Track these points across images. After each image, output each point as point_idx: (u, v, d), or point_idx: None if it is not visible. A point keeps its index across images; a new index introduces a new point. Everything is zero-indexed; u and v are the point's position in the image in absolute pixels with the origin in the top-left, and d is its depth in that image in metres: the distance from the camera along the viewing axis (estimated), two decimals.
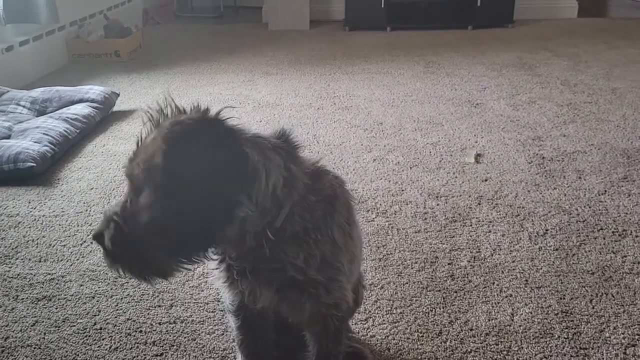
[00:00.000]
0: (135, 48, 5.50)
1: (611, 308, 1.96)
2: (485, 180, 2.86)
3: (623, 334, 1.85)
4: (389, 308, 2.00)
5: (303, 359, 1.56)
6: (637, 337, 1.83)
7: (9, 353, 1.83)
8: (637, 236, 2.36)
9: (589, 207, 2.58)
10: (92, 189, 2.90)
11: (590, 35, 5.72)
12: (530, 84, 4.31)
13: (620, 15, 6.83)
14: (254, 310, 1.46)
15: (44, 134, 3.21)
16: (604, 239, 2.35)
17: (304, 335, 1.53)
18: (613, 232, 2.39)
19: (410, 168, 3.02)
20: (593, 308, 1.97)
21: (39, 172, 3.00)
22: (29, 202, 2.77)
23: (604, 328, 1.88)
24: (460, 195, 2.72)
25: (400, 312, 1.97)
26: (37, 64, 4.82)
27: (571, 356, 1.76)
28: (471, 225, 2.47)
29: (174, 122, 1.14)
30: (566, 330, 1.87)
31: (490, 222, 2.49)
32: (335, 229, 1.29)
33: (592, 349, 1.79)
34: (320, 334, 1.47)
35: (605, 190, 2.72)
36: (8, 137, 3.27)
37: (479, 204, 2.64)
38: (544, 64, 4.80)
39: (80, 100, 3.73)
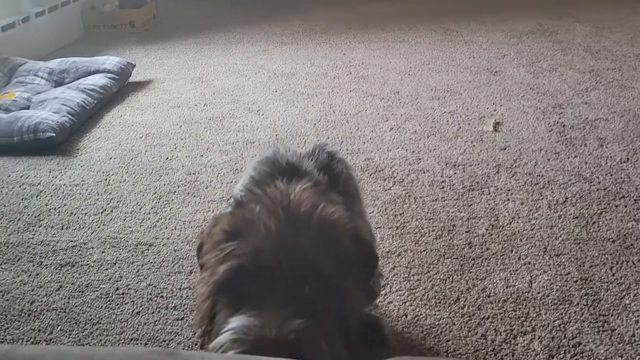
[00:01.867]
0: (149, 19, 5.48)
1: (632, 275, 1.95)
2: (504, 149, 2.83)
3: None
4: (406, 275, 2.00)
5: None
6: None
7: (35, 316, 1.88)
8: None
9: (611, 175, 2.55)
10: (110, 158, 2.93)
11: (613, 1, 5.57)
12: (551, 51, 4.22)
13: None
14: None
15: (62, 104, 3.23)
16: (626, 206, 2.32)
17: None
18: (635, 199, 2.36)
19: (428, 137, 2.99)
20: (613, 275, 1.96)
21: (58, 142, 3.03)
22: (50, 172, 2.80)
23: (624, 295, 1.87)
24: (478, 164, 2.70)
25: (418, 279, 1.98)
26: (53, 35, 4.83)
27: (590, 322, 1.76)
28: (489, 194, 2.46)
29: None
30: (585, 297, 1.87)
31: (509, 190, 2.48)
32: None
33: (612, 315, 1.79)
34: None
35: (628, 158, 2.68)
36: (27, 107, 3.30)
37: (498, 172, 2.62)
38: (565, 30, 4.70)
39: (97, 71, 3.74)
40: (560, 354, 1.66)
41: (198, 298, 1.26)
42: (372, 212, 2.36)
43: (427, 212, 2.35)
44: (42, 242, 2.26)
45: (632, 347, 1.68)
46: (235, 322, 1.08)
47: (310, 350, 1.06)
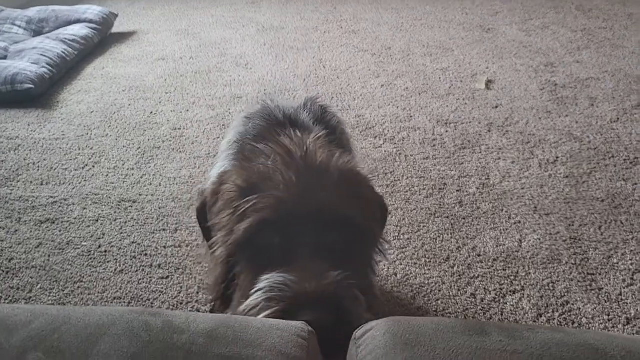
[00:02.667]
0: None
1: (620, 235, 1.94)
2: (496, 107, 2.78)
3: (631, 260, 1.83)
4: (397, 234, 1.98)
5: None
6: None
7: (14, 274, 1.83)
8: None
9: (601, 135, 2.52)
10: (92, 112, 2.84)
11: None
12: (543, 9, 4.14)
13: None
14: None
15: (41, 55, 3.11)
16: (615, 166, 2.30)
17: None
18: (624, 159, 2.34)
19: (419, 94, 2.93)
20: (602, 235, 1.95)
21: (37, 95, 2.92)
22: (29, 125, 2.71)
23: (612, 254, 1.86)
24: (470, 122, 2.65)
25: (408, 238, 1.96)
26: None
27: (578, 281, 1.76)
28: (480, 153, 2.42)
29: None
30: (574, 256, 1.86)
31: (500, 149, 2.44)
32: None
33: (600, 274, 1.78)
34: None
35: (618, 118, 2.65)
36: (4, 57, 3.17)
37: (489, 131, 2.58)
38: None
39: (78, 21, 3.60)
40: (548, 313, 1.66)
41: (212, 261, 1.18)
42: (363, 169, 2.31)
43: (418, 171, 2.31)
44: (20, 197, 2.20)
45: (619, 305, 1.67)
46: (266, 280, 1.02)
47: (348, 301, 1.02)
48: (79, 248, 1.94)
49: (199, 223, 1.27)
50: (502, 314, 1.66)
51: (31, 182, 2.29)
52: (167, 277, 1.81)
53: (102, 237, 1.99)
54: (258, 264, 1.07)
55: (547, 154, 2.40)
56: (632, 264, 1.82)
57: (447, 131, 2.58)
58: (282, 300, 0.99)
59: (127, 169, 2.37)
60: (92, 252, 1.92)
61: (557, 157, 2.37)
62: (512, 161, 2.36)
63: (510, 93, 2.92)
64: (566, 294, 1.72)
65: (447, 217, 2.05)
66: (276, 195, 1.07)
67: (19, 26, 3.56)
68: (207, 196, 1.23)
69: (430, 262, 1.85)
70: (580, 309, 1.67)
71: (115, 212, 2.11)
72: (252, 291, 1.03)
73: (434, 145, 2.48)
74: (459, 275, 1.80)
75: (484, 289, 1.75)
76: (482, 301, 1.70)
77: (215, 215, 1.18)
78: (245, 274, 1.10)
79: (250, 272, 1.08)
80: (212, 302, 1.21)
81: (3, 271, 1.84)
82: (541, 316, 1.65)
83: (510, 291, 1.73)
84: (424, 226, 2.01)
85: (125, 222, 2.06)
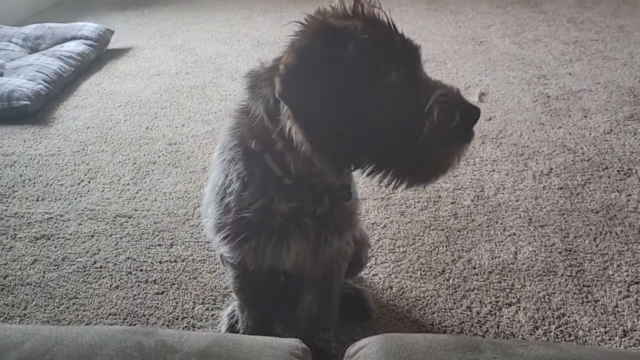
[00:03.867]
0: None
1: (615, 246, 1.95)
2: (490, 119, 2.80)
3: (627, 271, 1.84)
4: (392, 247, 1.98)
5: (296, 302, 1.57)
6: None
7: (8, 291, 1.83)
8: None
9: (594, 146, 2.54)
10: (88, 127, 2.84)
11: None
12: (535, 22, 4.18)
13: None
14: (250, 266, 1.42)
15: (37, 71, 3.12)
16: (609, 177, 2.32)
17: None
18: (618, 170, 2.36)
19: None
20: (597, 246, 1.95)
21: (33, 111, 2.93)
22: (25, 141, 2.72)
23: (608, 266, 1.87)
24: None
25: (403, 251, 1.96)
26: (29, 0, 4.67)
27: (574, 294, 1.76)
28: (475, 165, 2.43)
29: None
30: (569, 268, 1.86)
31: (494, 161, 2.45)
32: None
33: (595, 286, 1.79)
34: (324, 276, 1.47)
35: (611, 129, 2.67)
36: (0, 74, 3.18)
37: (483, 142, 2.59)
38: (550, 1, 4.64)
39: (74, 38, 3.62)
40: (544, 325, 1.66)
41: None
42: (357, 183, 2.31)
43: None
44: (16, 214, 2.19)
45: (615, 317, 1.68)
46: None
47: None
48: (74, 264, 1.94)
49: None
50: (498, 327, 1.66)
51: (27, 198, 2.29)
52: (163, 292, 1.81)
53: (98, 253, 1.99)
54: None
55: (541, 166, 2.41)
56: (627, 276, 1.82)
57: None
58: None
59: (123, 185, 2.37)
60: (88, 268, 1.92)
61: (551, 169, 2.38)
62: (506, 173, 2.37)
63: (504, 105, 2.94)
64: (562, 307, 1.72)
65: (442, 229, 2.05)
66: None
67: (16, 43, 3.57)
68: None
69: (425, 275, 1.86)
70: (576, 321, 1.67)
71: (110, 228, 2.11)
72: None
73: None
74: (455, 288, 1.80)
75: (480, 301, 1.75)
76: (478, 314, 1.70)
77: None
78: None
79: None
80: None
81: None
82: (537, 329, 1.65)
83: (506, 304, 1.74)
84: (419, 239, 2.01)
85: (121, 238, 2.06)
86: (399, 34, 1.09)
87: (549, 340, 1.62)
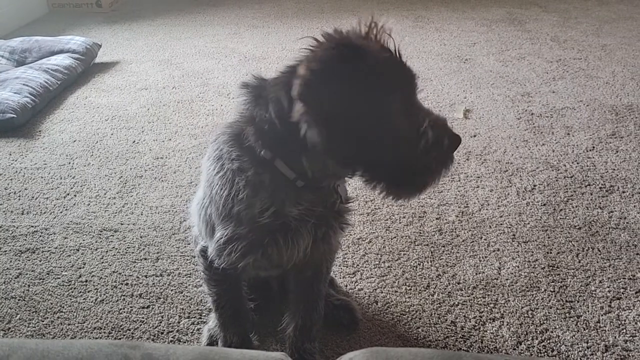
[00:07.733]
0: None
1: (597, 262, 1.98)
2: (474, 136, 2.84)
3: (608, 287, 1.87)
4: (377, 262, 1.99)
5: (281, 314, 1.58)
6: (622, 290, 1.85)
7: None
8: (624, 192, 2.36)
9: (577, 163, 2.58)
10: (74, 141, 2.84)
11: None
12: (519, 40, 4.25)
13: None
14: (234, 274, 1.43)
15: (24, 84, 3.11)
16: (591, 194, 2.35)
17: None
18: (600, 187, 2.40)
19: None
20: (579, 262, 1.98)
21: (19, 124, 2.92)
22: (10, 154, 2.70)
23: (590, 282, 1.89)
24: None
25: (388, 266, 1.97)
26: (14, 12, 4.66)
27: (557, 309, 1.78)
28: (459, 181, 2.46)
29: None
30: (552, 283, 1.88)
31: (479, 177, 2.48)
32: None
33: (578, 302, 1.81)
34: (312, 277, 1.51)
35: (594, 147, 2.72)
36: None
37: (468, 159, 2.63)
38: (533, 20, 4.73)
39: (61, 51, 3.62)
40: (527, 340, 1.68)
41: None
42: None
43: None
44: (0, 227, 2.18)
45: (597, 333, 1.70)
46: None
47: None
48: (59, 278, 1.93)
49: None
50: (482, 342, 1.68)
51: (12, 211, 2.28)
52: (148, 306, 1.81)
53: (83, 267, 1.98)
54: None
55: (525, 182, 2.44)
56: (609, 291, 1.85)
57: None
58: None
59: (109, 198, 2.36)
60: (73, 281, 1.91)
61: (535, 185, 2.42)
62: (490, 189, 2.40)
63: (488, 122, 2.98)
64: (545, 322, 1.74)
65: (427, 245, 2.07)
66: None
67: (2, 56, 3.56)
68: None
69: (410, 290, 1.87)
70: (559, 336, 1.69)
71: (96, 242, 2.10)
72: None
73: None
74: (439, 303, 1.81)
75: (464, 316, 1.76)
76: (462, 329, 1.72)
77: None
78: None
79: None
80: None
81: None
82: (520, 344, 1.67)
83: (489, 319, 1.75)
84: (404, 254, 2.03)
85: (107, 252, 2.05)
86: (403, 60, 1.19)
87: (532, 355, 1.63)
